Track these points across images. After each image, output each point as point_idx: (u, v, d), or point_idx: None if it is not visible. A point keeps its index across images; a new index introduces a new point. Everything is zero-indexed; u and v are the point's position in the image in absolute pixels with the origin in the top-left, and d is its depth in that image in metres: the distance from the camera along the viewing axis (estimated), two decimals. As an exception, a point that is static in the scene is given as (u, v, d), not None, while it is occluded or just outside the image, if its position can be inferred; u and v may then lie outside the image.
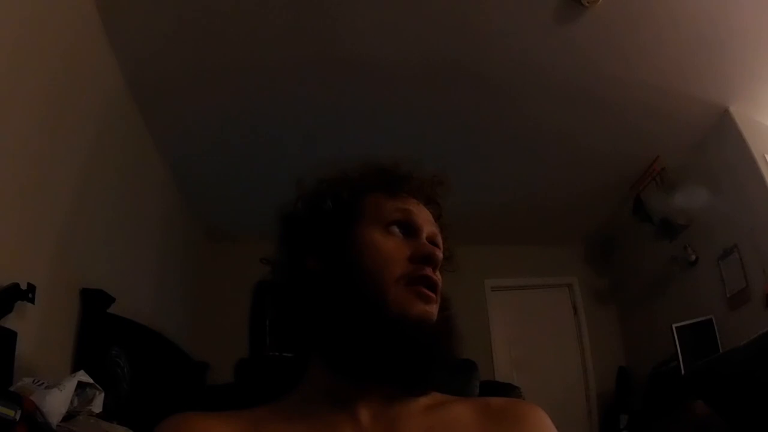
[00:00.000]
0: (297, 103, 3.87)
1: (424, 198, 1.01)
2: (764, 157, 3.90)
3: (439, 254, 0.90)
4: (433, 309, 0.87)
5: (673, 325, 4.35)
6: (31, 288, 2.15)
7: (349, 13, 3.22)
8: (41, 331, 2.34)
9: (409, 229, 0.92)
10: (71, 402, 1.88)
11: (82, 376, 1.99)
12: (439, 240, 0.96)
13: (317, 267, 0.91)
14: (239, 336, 3.58)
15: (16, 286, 2.08)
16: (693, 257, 4.59)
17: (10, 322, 2.04)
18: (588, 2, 3.15)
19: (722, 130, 4.18)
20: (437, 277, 0.89)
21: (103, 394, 2.05)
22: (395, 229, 0.91)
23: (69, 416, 1.85)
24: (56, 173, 2.59)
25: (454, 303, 0.98)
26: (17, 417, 1.62)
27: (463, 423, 0.86)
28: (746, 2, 3.25)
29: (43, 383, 1.81)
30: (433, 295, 0.87)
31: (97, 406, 2.02)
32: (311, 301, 0.89)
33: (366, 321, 0.82)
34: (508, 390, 1.44)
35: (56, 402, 1.78)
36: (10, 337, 2.02)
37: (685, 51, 3.58)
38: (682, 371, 4.11)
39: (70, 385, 1.88)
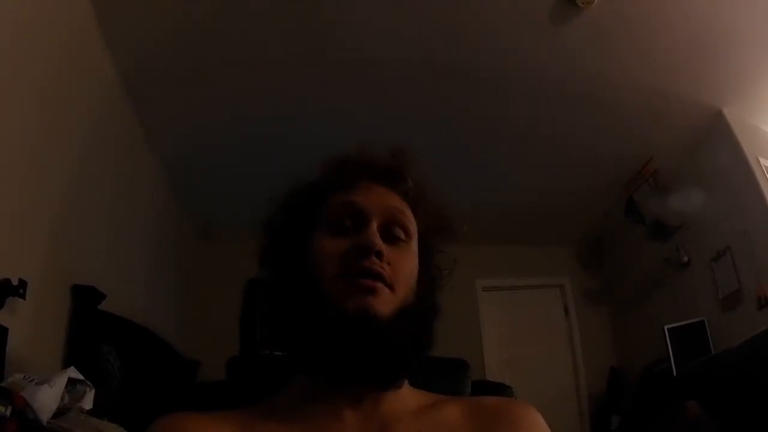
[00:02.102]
0: (289, 101, 3.86)
1: (383, 177, 0.97)
2: (757, 159, 3.92)
3: (376, 241, 0.84)
4: (377, 300, 0.81)
5: (665, 327, 4.37)
6: (23, 284, 2.13)
7: (344, 12, 3.21)
8: (32, 327, 2.32)
9: (357, 221, 0.89)
10: (62, 398, 1.86)
11: (73, 373, 1.97)
12: (401, 219, 0.92)
13: (285, 276, 0.91)
14: (230, 333, 3.60)
15: (7, 281, 2.08)
16: (685, 259, 4.61)
17: (1, 317, 2.03)
18: (583, 3, 3.15)
19: (716, 131, 4.19)
20: (380, 265, 0.83)
21: (93, 391, 2.04)
22: (347, 224, 0.89)
23: (59, 413, 1.84)
24: (49, 169, 2.58)
25: (443, 300, 0.96)
26: (8, 413, 1.61)
27: (454, 424, 0.85)
28: (740, 4, 3.26)
29: (33, 379, 1.79)
30: (374, 285, 0.82)
31: (88, 402, 2.00)
32: (282, 308, 0.90)
33: (311, 322, 0.82)
34: (500, 389, 1.43)
35: (47, 398, 1.76)
36: (1, 332, 2.01)
37: (679, 53, 3.59)
38: (674, 372, 4.12)
39: (61, 382, 1.86)
